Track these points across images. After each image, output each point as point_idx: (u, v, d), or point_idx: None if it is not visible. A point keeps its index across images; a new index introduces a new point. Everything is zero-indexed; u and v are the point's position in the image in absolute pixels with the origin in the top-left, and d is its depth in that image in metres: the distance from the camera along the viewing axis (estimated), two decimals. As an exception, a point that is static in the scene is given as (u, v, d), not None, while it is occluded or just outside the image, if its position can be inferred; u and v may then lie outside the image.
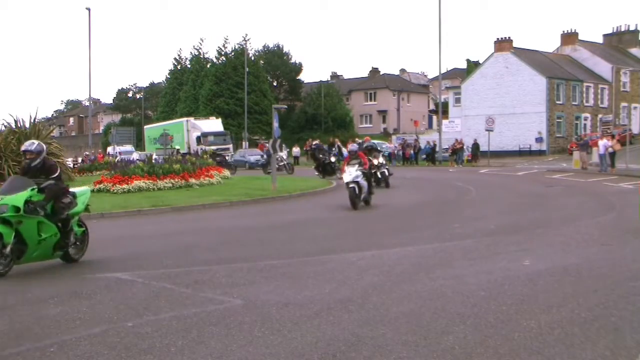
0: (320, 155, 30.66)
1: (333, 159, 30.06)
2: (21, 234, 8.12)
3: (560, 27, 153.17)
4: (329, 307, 6.51)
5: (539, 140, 53.51)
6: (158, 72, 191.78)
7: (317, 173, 30.11)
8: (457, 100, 61.91)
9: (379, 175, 22.62)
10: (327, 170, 29.52)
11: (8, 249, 8.03)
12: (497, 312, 6.25)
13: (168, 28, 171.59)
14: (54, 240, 8.56)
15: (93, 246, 11.07)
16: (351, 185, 16.09)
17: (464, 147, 45.13)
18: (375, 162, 22.70)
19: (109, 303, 6.85)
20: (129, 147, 50.76)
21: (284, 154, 36.55)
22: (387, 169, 23.70)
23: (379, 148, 25.79)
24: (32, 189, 8.29)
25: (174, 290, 7.44)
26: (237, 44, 72.17)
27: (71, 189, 9.28)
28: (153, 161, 25.20)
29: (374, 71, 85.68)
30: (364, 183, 16.31)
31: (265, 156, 36.49)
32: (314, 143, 36.95)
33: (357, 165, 16.36)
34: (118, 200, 18.45)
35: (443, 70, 60.98)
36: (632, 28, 66.94)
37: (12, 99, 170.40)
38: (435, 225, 13.57)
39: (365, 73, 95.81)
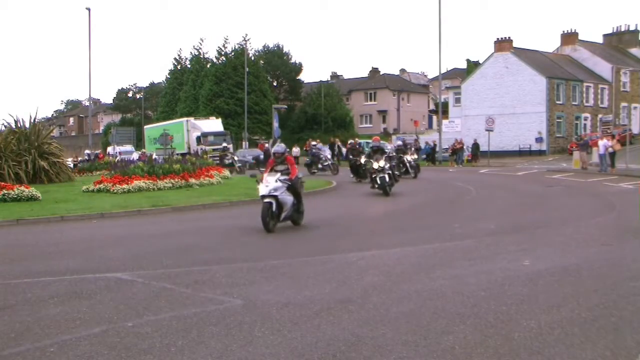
0: (351, 157, 27.66)
1: (363, 160, 25.71)
2: None
3: (560, 27, 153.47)
4: (329, 307, 6.51)
5: (539, 140, 53.53)
6: (158, 72, 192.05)
7: (352, 176, 27.28)
8: (457, 100, 61.96)
9: (378, 181, 20.12)
10: (359, 173, 26.56)
11: None
12: (497, 312, 6.25)
13: (168, 28, 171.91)
14: None
15: (93, 246, 11.11)
16: (266, 200, 12.33)
17: (464, 147, 45.17)
18: (375, 165, 20.20)
19: (109, 303, 6.85)
20: (129, 147, 50.78)
21: (327, 153, 33.90)
22: (388, 173, 20.20)
23: (386, 149, 22.40)
24: None
25: (174, 290, 7.44)
26: (237, 44, 72.22)
27: None
28: (153, 161, 25.21)
29: (374, 71, 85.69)
30: (286, 198, 12.62)
31: (310, 155, 34.14)
32: (349, 142, 34.09)
33: (279, 174, 12.77)
34: (118, 200, 18.44)
35: (443, 70, 61.03)
36: (632, 28, 67.03)
37: (12, 99, 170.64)
38: (435, 225, 13.58)
39: (365, 73, 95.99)
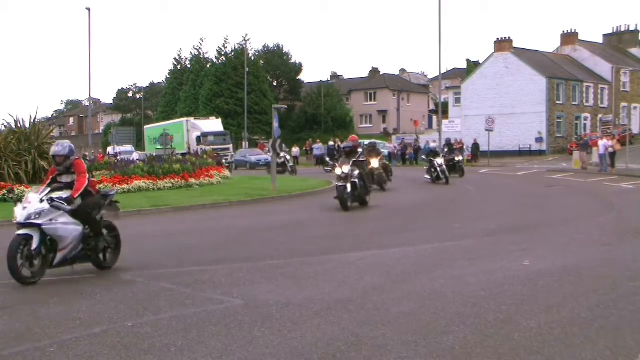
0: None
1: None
2: None
3: (560, 27, 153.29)
4: (329, 307, 6.51)
5: (539, 140, 53.51)
6: (158, 72, 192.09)
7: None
8: (457, 100, 61.89)
9: (336, 192, 16.24)
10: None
11: None
12: (497, 312, 6.25)
13: (168, 28, 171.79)
14: None
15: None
16: (20, 232, 7.74)
17: (464, 147, 45.15)
18: (338, 171, 16.26)
19: (109, 303, 6.85)
20: (129, 147, 50.79)
21: None
22: (353, 182, 16.01)
23: (360, 150, 17.63)
24: None
25: (174, 290, 7.44)
26: (237, 44, 72.19)
27: None
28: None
29: (374, 71, 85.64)
30: (62, 229, 7.87)
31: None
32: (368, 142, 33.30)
33: (48, 189, 8.07)
34: (118, 200, 18.40)
35: (443, 70, 60.84)
36: (632, 28, 66.95)
37: (12, 99, 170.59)
38: (435, 225, 13.58)
39: (365, 73, 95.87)
